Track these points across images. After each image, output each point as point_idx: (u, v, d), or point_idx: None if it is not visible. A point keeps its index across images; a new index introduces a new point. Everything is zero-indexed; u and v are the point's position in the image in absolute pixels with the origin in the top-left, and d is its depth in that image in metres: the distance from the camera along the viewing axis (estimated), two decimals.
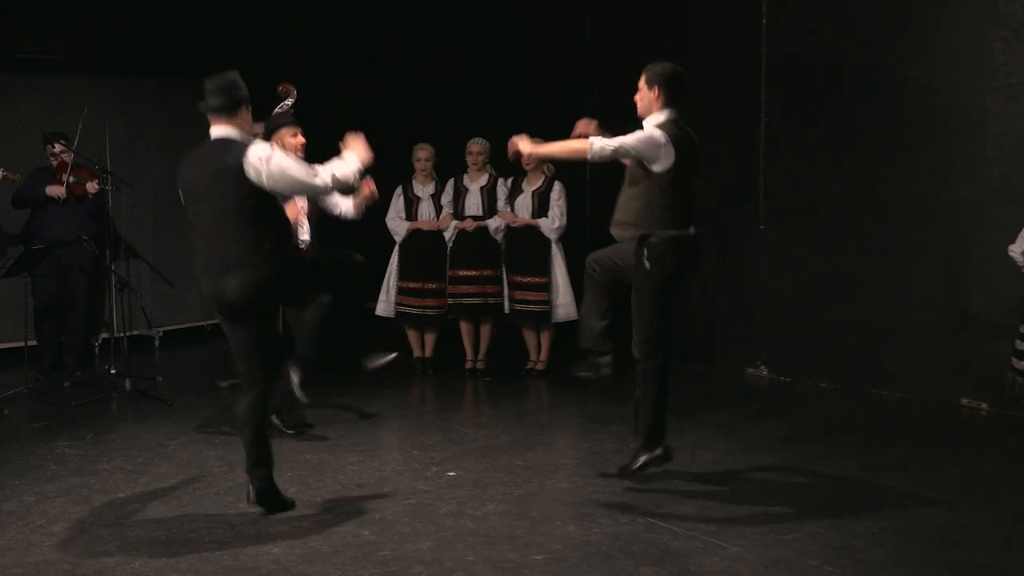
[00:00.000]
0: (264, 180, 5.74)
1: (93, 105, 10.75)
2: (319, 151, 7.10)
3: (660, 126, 6.31)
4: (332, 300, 6.10)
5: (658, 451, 6.55)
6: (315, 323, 6.11)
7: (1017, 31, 8.13)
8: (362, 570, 5.38)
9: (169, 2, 11.25)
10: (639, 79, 6.47)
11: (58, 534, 5.88)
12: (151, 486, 6.72)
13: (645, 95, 6.42)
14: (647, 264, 6.33)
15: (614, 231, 6.53)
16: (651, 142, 6.25)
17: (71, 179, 9.60)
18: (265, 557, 5.55)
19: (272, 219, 5.90)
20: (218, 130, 5.96)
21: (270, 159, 5.76)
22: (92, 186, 9.62)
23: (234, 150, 5.81)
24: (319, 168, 5.95)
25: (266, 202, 5.84)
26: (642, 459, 6.55)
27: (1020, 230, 6.81)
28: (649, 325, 6.40)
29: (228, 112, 5.94)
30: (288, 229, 6.11)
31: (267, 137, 7.73)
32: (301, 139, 7.47)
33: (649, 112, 6.41)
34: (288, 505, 6.23)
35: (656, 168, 6.29)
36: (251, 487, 6.13)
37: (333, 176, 5.93)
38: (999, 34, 8.22)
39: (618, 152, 6.27)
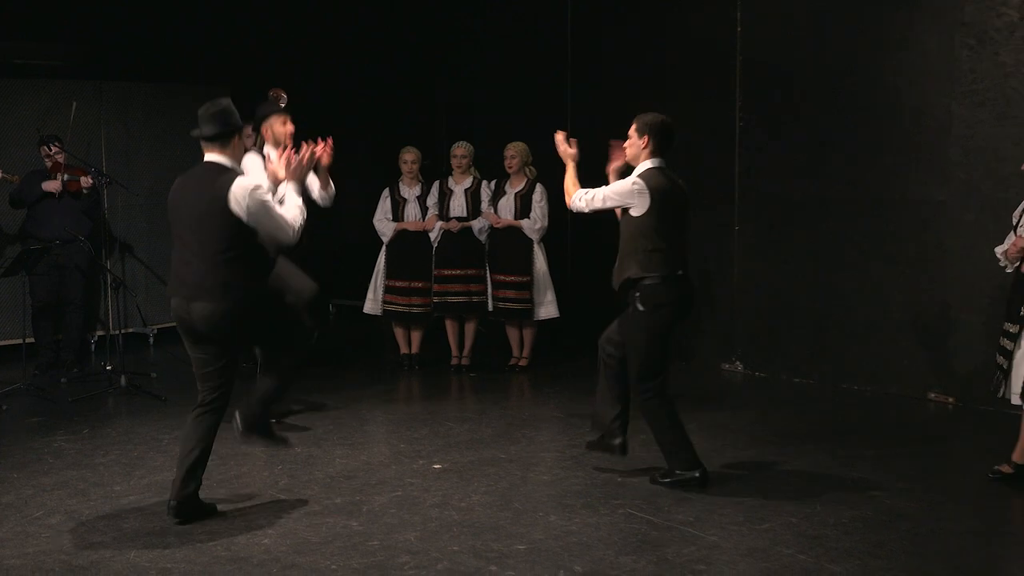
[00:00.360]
0: (244, 213, 5.69)
1: (89, 109, 10.74)
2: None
3: (642, 175, 6.39)
4: (295, 363, 6.11)
5: (695, 473, 6.49)
6: (275, 378, 6.08)
7: (982, 39, 8.16)
8: (350, 560, 5.37)
9: (163, 10, 11.23)
10: (630, 126, 6.53)
11: (55, 526, 5.86)
12: (145, 479, 6.70)
13: (635, 143, 6.48)
14: (639, 307, 6.37)
15: (614, 281, 6.54)
16: (624, 192, 6.36)
17: (65, 177, 9.58)
18: (256, 547, 5.54)
19: (248, 252, 5.80)
20: (210, 156, 5.90)
21: (254, 192, 5.70)
22: (86, 180, 9.60)
23: (222, 179, 5.75)
24: (292, 222, 5.88)
25: (244, 234, 5.75)
26: (673, 478, 6.52)
27: (991, 230, 6.82)
28: (644, 367, 6.41)
29: (221, 140, 5.86)
30: (264, 264, 5.97)
31: (256, 127, 7.72)
32: (291, 127, 7.41)
33: (638, 159, 6.49)
34: (209, 512, 6.05)
35: (634, 213, 6.37)
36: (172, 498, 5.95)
37: (295, 230, 5.91)
38: (965, 42, 8.25)
39: (595, 207, 6.41)
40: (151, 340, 11.15)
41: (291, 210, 5.94)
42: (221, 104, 5.89)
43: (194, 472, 5.93)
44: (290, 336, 6.09)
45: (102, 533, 5.76)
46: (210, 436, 6.01)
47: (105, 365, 9.24)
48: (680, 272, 6.41)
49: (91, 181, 9.60)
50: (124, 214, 11.00)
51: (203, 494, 6.02)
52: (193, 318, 5.81)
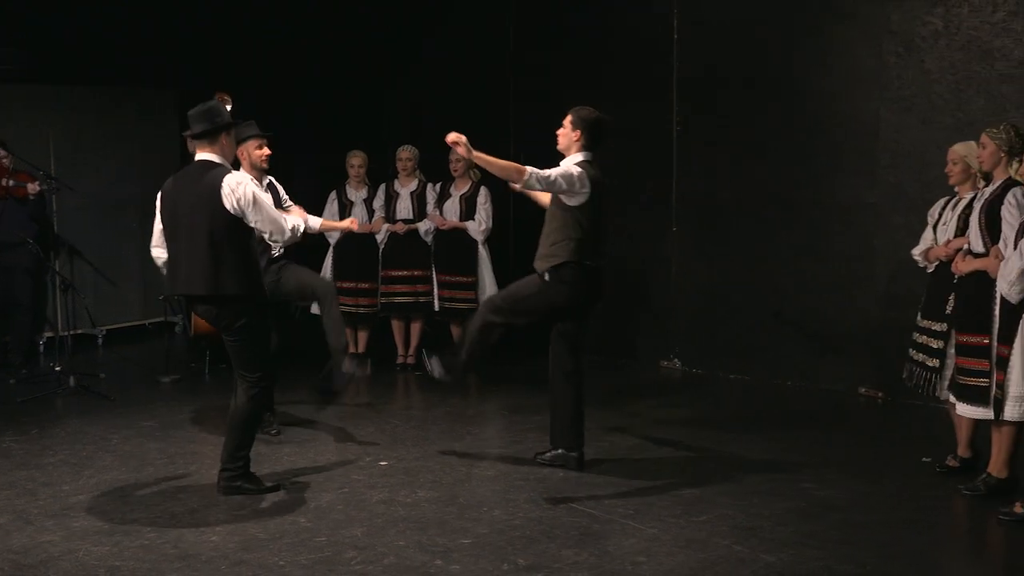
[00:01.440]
0: (235, 205, 5.88)
1: (37, 114, 10.59)
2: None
3: (579, 164, 6.43)
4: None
5: (574, 454, 6.68)
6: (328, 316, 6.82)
7: (908, 46, 8.26)
8: (298, 556, 5.33)
9: (110, 14, 11.08)
10: (564, 116, 6.57)
11: (3, 526, 5.77)
12: (94, 478, 6.61)
13: (568, 134, 6.54)
14: (546, 277, 6.51)
15: (536, 264, 6.64)
16: (571, 177, 6.36)
17: (10, 182, 9.44)
18: (205, 544, 5.49)
19: (240, 245, 5.98)
20: (201, 154, 6.08)
21: (244, 186, 5.91)
22: (33, 187, 9.46)
23: (213, 174, 5.94)
24: (287, 222, 6.18)
25: (237, 228, 5.95)
26: (555, 453, 6.71)
27: (918, 231, 6.91)
28: (511, 300, 6.56)
29: (210, 137, 6.04)
30: (257, 269, 6.15)
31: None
32: (266, 151, 7.39)
33: (568, 151, 6.55)
34: (269, 488, 6.32)
35: (571, 203, 6.42)
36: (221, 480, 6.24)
37: (295, 227, 6.23)
38: (893, 49, 8.34)
39: (548, 182, 6.34)
40: (100, 341, 10.99)
41: (291, 219, 6.28)
42: (208, 103, 6.11)
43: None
44: (265, 357, 6.25)
45: (51, 532, 5.67)
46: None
47: (54, 366, 9.11)
48: (600, 262, 6.53)
49: (38, 187, 9.46)
50: (73, 216, 10.84)
51: (151, 492, 5.97)
52: (199, 312, 6.18)
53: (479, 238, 9.64)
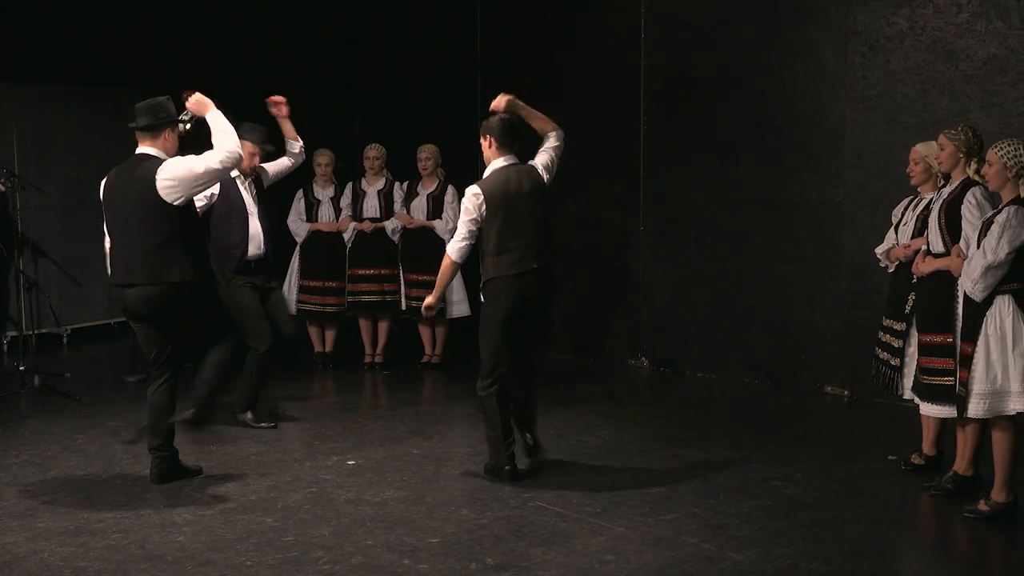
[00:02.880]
0: (174, 191, 6.02)
1: (1, 111, 10.49)
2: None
3: (480, 181, 6.46)
4: (227, 356, 6.52)
5: (506, 466, 6.50)
6: (213, 370, 6.46)
7: (874, 47, 8.30)
8: (265, 556, 5.31)
9: (75, 11, 10.99)
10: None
11: None
12: (60, 478, 6.56)
13: (484, 145, 6.57)
14: (482, 298, 6.55)
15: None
16: (471, 212, 6.39)
17: None
18: (171, 545, 5.45)
19: (178, 235, 6.11)
20: (142, 147, 6.26)
21: (175, 166, 6.06)
22: None
23: (149, 165, 6.09)
24: (206, 156, 6.14)
25: (174, 217, 6.08)
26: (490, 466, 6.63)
27: (883, 230, 6.95)
28: (485, 361, 6.46)
29: (152, 132, 6.22)
30: (200, 256, 6.27)
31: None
32: (256, 161, 7.77)
33: (488, 162, 6.57)
34: (194, 472, 6.51)
35: (483, 226, 6.45)
36: (152, 464, 6.40)
37: (224, 153, 6.13)
38: (858, 49, 8.38)
39: (465, 241, 6.45)
40: (65, 340, 10.90)
41: (218, 139, 6.19)
42: (157, 100, 6.27)
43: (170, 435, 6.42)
44: (211, 340, 6.45)
45: (15, 533, 5.62)
46: (171, 406, 6.45)
47: (18, 365, 9.02)
48: (534, 266, 6.44)
49: (2, 188, 9.36)
50: (38, 215, 10.74)
51: (118, 492, 5.93)
52: (128, 304, 6.18)
53: (446, 237, 9.59)
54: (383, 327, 9.88)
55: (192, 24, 11.40)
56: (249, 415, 7.72)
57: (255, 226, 7.71)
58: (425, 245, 9.58)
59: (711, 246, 9.37)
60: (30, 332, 9.18)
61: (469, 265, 8.30)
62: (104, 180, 6.35)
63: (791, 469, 6.71)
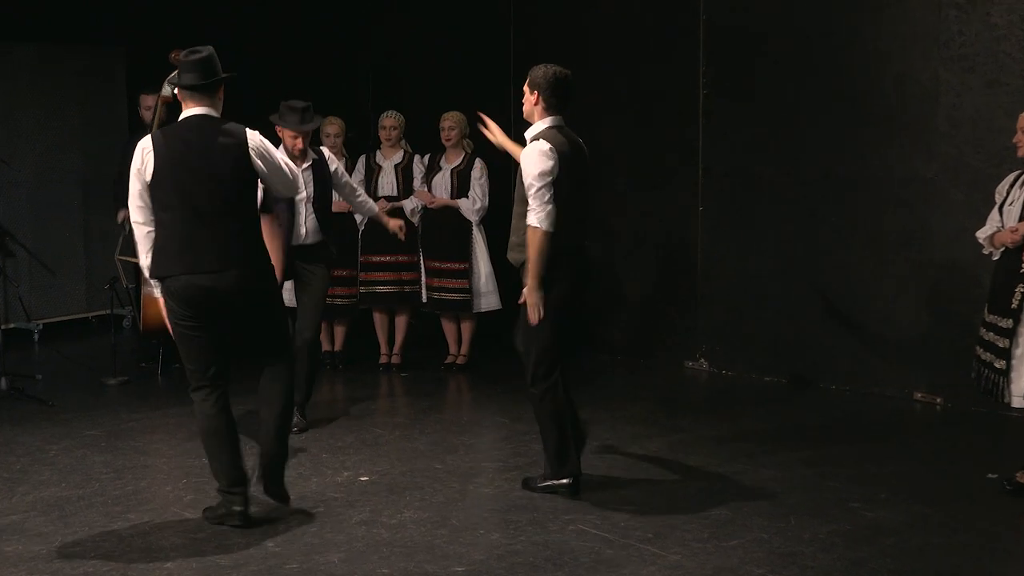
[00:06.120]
0: (262, 160, 6.03)
1: None
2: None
3: (543, 136, 6.41)
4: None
5: (564, 480, 6.55)
6: (279, 412, 6.32)
7: None
8: None
9: None
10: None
11: None
12: (30, 495, 6.60)
13: (528, 98, 6.54)
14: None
15: (509, 256, 6.63)
16: (545, 168, 6.30)
17: None
18: (157, 572, 5.49)
19: (255, 211, 6.22)
20: (198, 109, 6.02)
21: (259, 137, 6.06)
22: None
23: (229, 129, 5.99)
24: (295, 175, 6.34)
25: (255, 191, 6.21)
26: (547, 483, 6.61)
27: (982, 211, 6.90)
28: (537, 361, 6.44)
29: (210, 90, 6.02)
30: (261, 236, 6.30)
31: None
32: (299, 143, 7.86)
33: (531, 118, 6.54)
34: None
35: None
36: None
37: (292, 188, 6.35)
38: (953, 1, 8.32)
39: (549, 210, 6.32)
40: (36, 337, 10.99)
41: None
42: (206, 52, 6.01)
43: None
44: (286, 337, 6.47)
45: None
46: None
47: None
48: (582, 244, 6.52)
49: None
50: (4, 192, 10.83)
51: (96, 512, 5.96)
52: (219, 291, 5.94)
53: (474, 219, 9.62)
54: (401, 322, 9.90)
55: None
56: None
57: (306, 211, 7.84)
58: (449, 228, 9.60)
59: (780, 228, 9.33)
60: None
61: (499, 253, 8.33)
62: (145, 146, 5.96)
63: (874, 489, 6.68)
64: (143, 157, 5.94)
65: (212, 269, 5.92)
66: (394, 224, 8.27)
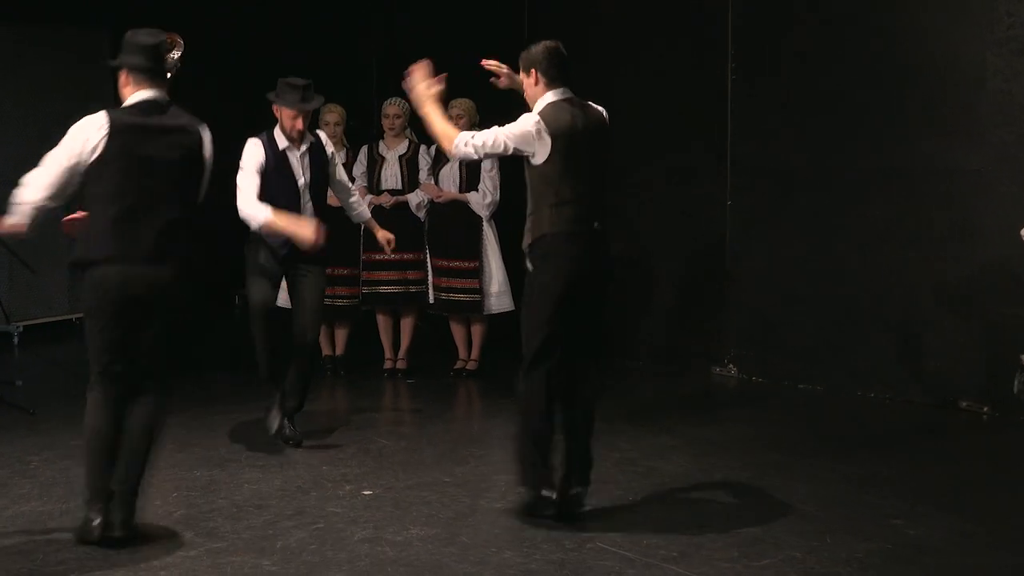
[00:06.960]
0: (208, 162, 6.16)
1: None
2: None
3: (541, 113, 6.39)
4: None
5: (550, 495, 6.44)
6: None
7: None
8: None
9: None
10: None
11: None
12: (9, 510, 6.61)
13: (526, 83, 6.56)
14: (529, 266, 6.43)
15: (524, 244, 6.57)
16: (525, 135, 6.33)
17: None
18: None
19: (196, 207, 6.22)
20: (148, 92, 6.12)
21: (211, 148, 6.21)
22: None
23: (191, 122, 6.15)
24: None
25: (200, 185, 6.23)
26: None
27: None
28: (527, 349, 6.41)
29: (163, 76, 6.16)
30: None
31: None
32: (299, 124, 7.76)
33: (535, 100, 6.53)
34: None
35: (535, 161, 6.38)
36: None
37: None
38: None
39: (487, 149, 6.38)
40: (16, 340, 11.02)
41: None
42: (156, 35, 6.19)
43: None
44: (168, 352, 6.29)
45: None
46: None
47: None
48: (596, 225, 6.44)
49: None
50: None
51: (72, 527, 5.99)
52: (154, 281, 6.00)
53: (484, 214, 9.63)
54: (407, 325, 9.91)
55: None
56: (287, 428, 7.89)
57: (303, 199, 7.77)
58: (458, 224, 9.61)
59: (814, 224, 9.34)
60: None
61: (510, 251, 8.35)
62: (100, 123, 6.02)
63: (915, 505, 6.67)
64: (94, 134, 5.98)
65: (150, 259, 5.98)
66: (383, 236, 8.16)
